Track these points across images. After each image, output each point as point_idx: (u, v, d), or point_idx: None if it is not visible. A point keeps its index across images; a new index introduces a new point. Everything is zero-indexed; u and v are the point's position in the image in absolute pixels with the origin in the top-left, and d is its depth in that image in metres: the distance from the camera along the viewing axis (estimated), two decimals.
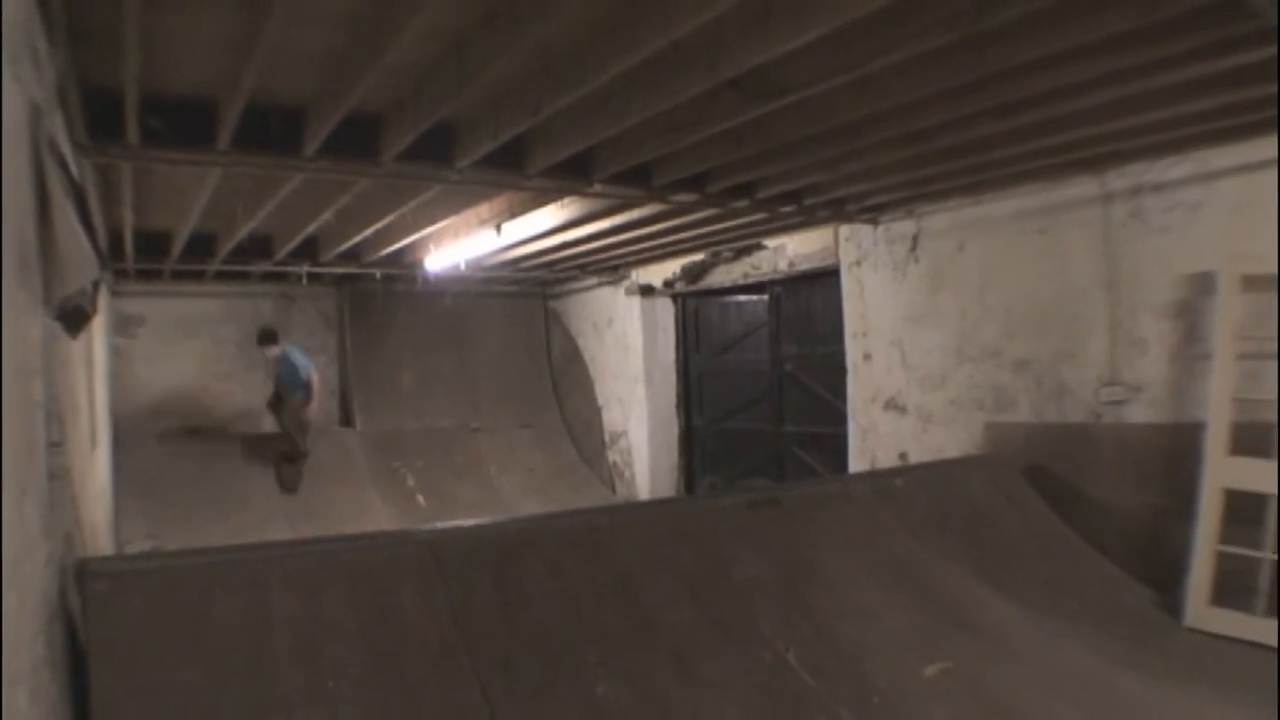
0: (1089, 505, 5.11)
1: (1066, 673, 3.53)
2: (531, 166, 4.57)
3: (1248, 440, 4.29)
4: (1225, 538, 4.25)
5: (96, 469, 5.48)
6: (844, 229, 6.99)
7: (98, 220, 5.37)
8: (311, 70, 3.58)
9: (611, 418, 10.02)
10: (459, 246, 7.10)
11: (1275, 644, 3.90)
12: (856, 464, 6.96)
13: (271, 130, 4.02)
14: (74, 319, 2.62)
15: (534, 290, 11.00)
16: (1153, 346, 4.99)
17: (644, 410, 9.44)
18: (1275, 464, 4.15)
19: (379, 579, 3.19)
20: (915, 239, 6.45)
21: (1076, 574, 4.69)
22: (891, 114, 4.04)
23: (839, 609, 3.73)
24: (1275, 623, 3.97)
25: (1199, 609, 4.23)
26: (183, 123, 3.88)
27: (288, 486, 8.61)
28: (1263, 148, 4.40)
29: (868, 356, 6.89)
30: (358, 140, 4.16)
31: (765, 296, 8.44)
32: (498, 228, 6.38)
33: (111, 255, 7.04)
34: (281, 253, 7.39)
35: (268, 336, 8.63)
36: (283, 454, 8.66)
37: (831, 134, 4.35)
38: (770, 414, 8.44)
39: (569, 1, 2.76)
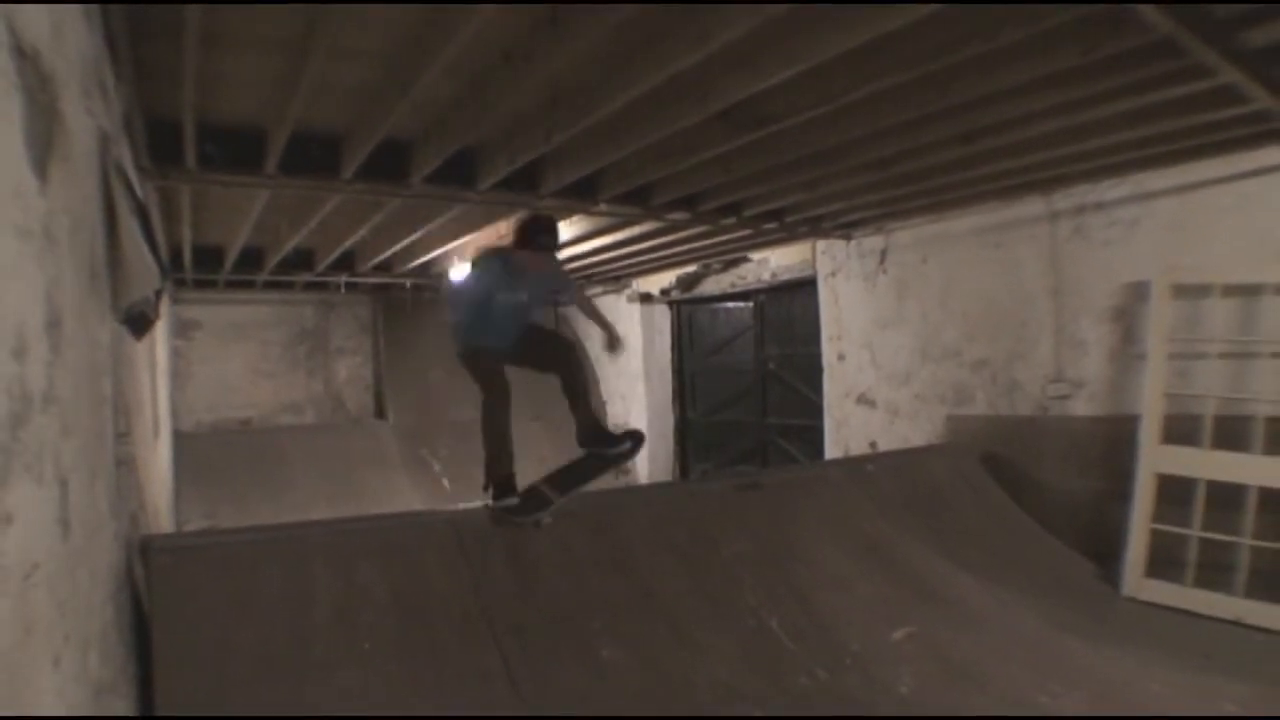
0: (1038, 488, 5.11)
1: (1018, 637, 3.53)
2: (543, 188, 4.57)
3: (1177, 430, 4.29)
4: (1158, 517, 4.25)
5: (159, 457, 5.48)
6: (821, 244, 6.99)
7: (160, 236, 5.37)
8: (348, 104, 3.58)
9: (614, 411, 10.01)
10: None
11: (1203, 611, 3.91)
12: (832, 452, 6.95)
13: (313, 156, 4.02)
14: (138, 323, 2.61)
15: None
16: (1094, 348, 4.99)
17: (643, 404, 9.43)
18: (1202, 451, 4.16)
19: (408, 553, 3.20)
20: (884, 252, 6.45)
21: (1027, 549, 4.69)
22: (862, 142, 4.04)
23: (816, 581, 3.73)
24: (1203, 592, 3.98)
25: (1135, 580, 4.23)
26: (235, 149, 3.88)
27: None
28: (1193, 171, 4.40)
29: (842, 357, 6.88)
30: (389, 165, 4.16)
31: (751, 304, 8.43)
32: None
33: (172, 267, 7.04)
34: (322, 265, 7.39)
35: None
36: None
37: (809, 160, 4.35)
38: (755, 408, 8.44)
39: (576, 43, 2.77)
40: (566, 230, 6.18)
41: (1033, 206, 5.29)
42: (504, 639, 2.98)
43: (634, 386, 9.55)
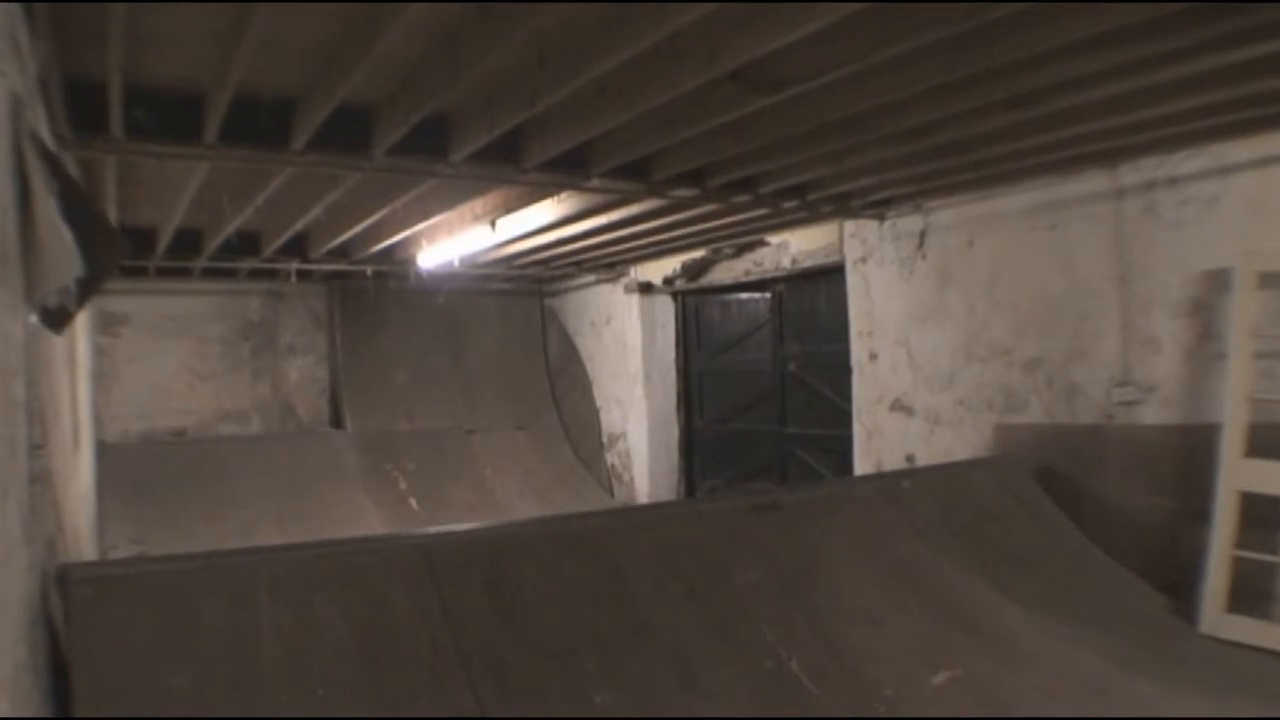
0: (1101, 508, 5.12)
1: (1078, 679, 3.53)
2: (527, 160, 4.57)
3: (1264, 442, 4.30)
4: (1241, 542, 4.26)
5: (80, 471, 5.48)
6: (849, 225, 7.00)
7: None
8: (300, 62, 3.58)
9: (610, 419, 10.03)
10: (452, 243, 7.10)
11: None
12: (862, 466, 6.96)
13: (260, 123, 4.03)
14: (56, 317, 2.62)
15: (530, 288, 11.01)
16: (1166, 345, 5.00)
17: (643, 411, 9.44)
18: None
19: (370, 584, 3.19)
20: (922, 235, 6.46)
21: (1088, 578, 4.70)
22: (896, 107, 4.04)
23: (843, 614, 3.74)
24: None
25: (1215, 616, 4.24)
26: (168, 115, 3.88)
27: None
28: None
29: (873, 356, 6.89)
30: (348, 133, 4.16)
31: (768, 294, 8.44)
32: (492, 224, 6.38)
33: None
34: (270, 249, 7.40)
35: None
36: None
37: (835, 128, 4.35)
38: (773, 415, 8.45)
39: None
40: (553, 209, 6.20)
41: (1095, 182, 5.30)
42: (481, 680, 2.98)
43: (632, 390, 9.56)
